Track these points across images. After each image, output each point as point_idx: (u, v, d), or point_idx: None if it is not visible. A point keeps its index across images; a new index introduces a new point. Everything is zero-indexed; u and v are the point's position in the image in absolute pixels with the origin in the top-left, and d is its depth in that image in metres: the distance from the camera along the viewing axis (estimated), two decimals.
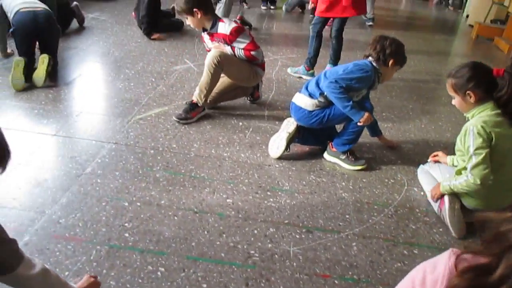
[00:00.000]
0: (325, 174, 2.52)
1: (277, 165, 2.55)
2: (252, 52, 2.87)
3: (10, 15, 3.30)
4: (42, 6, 3.39)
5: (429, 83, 4.36)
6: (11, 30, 3.29)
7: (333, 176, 2.51)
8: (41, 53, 3.31)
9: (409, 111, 3.55)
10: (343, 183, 2.45)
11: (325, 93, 2.45)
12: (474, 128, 1.97)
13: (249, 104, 3.33)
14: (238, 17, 5.44)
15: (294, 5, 6.93)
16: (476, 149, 1.95)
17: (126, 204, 2.06)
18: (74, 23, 4.73)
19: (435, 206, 2.24)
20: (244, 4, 6.89)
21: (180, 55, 4.27)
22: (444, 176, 2.27)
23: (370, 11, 6.35)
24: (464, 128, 2.04)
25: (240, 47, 2.86)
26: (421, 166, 2.55)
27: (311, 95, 2.52)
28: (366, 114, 2.43)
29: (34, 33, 3.31)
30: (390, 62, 2.48)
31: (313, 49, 3.92)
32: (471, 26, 7.34)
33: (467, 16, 8.37)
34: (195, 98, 2.90)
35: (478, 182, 1.95)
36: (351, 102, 2.38)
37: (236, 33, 2.82)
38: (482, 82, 2.02)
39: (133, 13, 5.02)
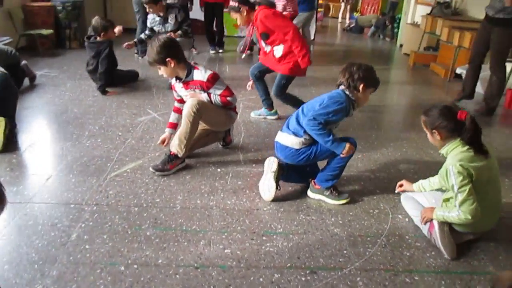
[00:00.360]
0: (313, 212, 2.55)
1: (265, 208, 2.55)
2: (228, 98, 2.91)
3: None
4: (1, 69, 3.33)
5: (383, 112, 4.60)
6: None
7: (321, 213, 2.55)
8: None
9: (374, 141, 3.71)
10: (332, 219, 2.49)
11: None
12: (453, 168, 2.10)
13: (222, 149, 3.33)
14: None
15: (245, 47, 7.12)
16: (460, 187, 2.08)
17: (123, 268, 1.97)
18: (25, 82, 4.57)
19: (424, 229, 2.33)
20: (193, 50, 6.97)
21: (141, 106, 4.23)
22: (430, 202, 2.38)
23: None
24: (444, 168, 2.17)
25: (216, 94, 2.88)
26: (404, 193, 2.66)
27: (295, 134, 2.56)
28: (347, 145, 2.51)
29: None
30: (361, 87, 2.50)
31: (262, 92, 4.00)
32: (407, 54, 7.90)
33: (401, 46, 9.01)
34: (174, 149, 2.86)
35: (469, 217, 2.08)
36: (331, 137, 2.46)
37: (213, 80, 2.85)
38: (447, 123, 2.18)
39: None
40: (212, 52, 7.03)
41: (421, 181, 2.54)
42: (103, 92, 4.46)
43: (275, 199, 2.62)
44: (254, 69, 3.96)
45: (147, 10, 4.97)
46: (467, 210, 2.08)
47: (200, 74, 2.86)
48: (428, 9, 8.16)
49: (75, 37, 6.74)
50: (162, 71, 2.86)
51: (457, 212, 2.11)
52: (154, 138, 3.43)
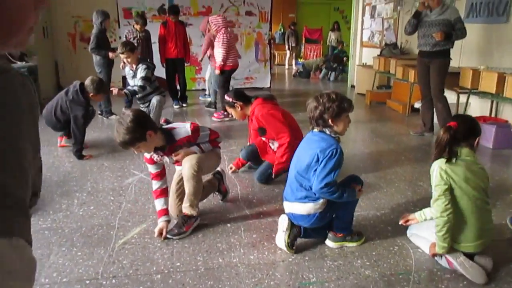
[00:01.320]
0: (338, 256, 2.52)
1: (290, 259, 2.49)
2: (217, 139, 2.89)
3: None
4: None
5: (358, 150, 4.75)
6: None
7: (345, 256, 2.53)
8: None
9: (364, 179, 3.77)
10: (359, 261, 2.47)
11: None
12: (438, 168, 2.30)
13: (224, 204, 3.25)
14: (163, 120, 5.43)
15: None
16: (436, 185, 2.28)
17: None
18: None
19: (443, 263, 2.39)
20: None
21: (124, 167, 4.07)
22: (433, 232, 2.43)
23: None
24: (432, 167, 2.36)
25: (205, 141, 2.80)
26: (408, 231, 2.72)
27: (311, 199, 2.45)
28: (357, 189, 2.55)
29: None
30: (332, 121, 2.42)
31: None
32: (361, 94, 8.31)
33: (352, 86, 9.48)
34: (186, 210, 2.74)
35: (439, 214, 2.25)
36: (344, 194, 2.41)
37: (197, 130, 2.74)
38: None
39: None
40: (176, 107, 7.00)
41: (422, 210, 2.59)
42: (80, 157, 4.25)
43: (296, 248, 2.57)
44: (247, 153, 3.86)
45: (125, 60, 4.92)
46: (439, 208, 2.25)
47: (182, 131, 2.71)
48: (373, 51, 8.74)
49: None
50: (142, 148, 2.55)
51: (431, 210, 2.33)
52: (150, 199, 3.29)
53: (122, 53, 4.87)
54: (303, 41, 14.66)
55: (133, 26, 6.54)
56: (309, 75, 11.70)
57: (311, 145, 2.48)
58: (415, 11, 5.12)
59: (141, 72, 4.89)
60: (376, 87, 7.89)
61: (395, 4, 7.84)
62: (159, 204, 2.77)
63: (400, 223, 2.73)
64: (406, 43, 7.45)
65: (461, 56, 6.17)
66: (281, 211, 2.91)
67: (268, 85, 9.20)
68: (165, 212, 2.76)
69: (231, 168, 3.93)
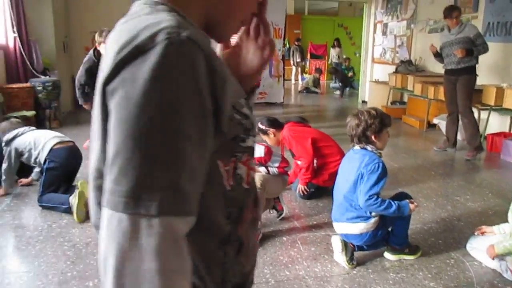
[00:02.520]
0: (399, 269, 2.60)
1: (354, 271, 2.56)
2: (286, 168, 2.94)
3: (40, 153, 3.35)
4: (69, 138, 3.60)
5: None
6: (47, 166, 3.33)
7: (407, 269, 2.60)
8: (68, 185, 3.50)
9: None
10: (420, 273, 2.55)
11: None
12: None
13: (273, 217, 3.32)
14: None
15: None
16: None
17: None
18: None
19: (508, 276, 2.47)
20: None
21: None
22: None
23: None
24: None
25: (274, 166, 2.90)
26: (468, 244, 2.80)
27: (363, 218, 2.51)
28: (409, 203, 2.61)
29: (70, 169, 3.49)
30: (375, 137, 2.51)
31: None
32: None
33: (363, 102, 9.64)
34: None
35: None
36: (393, 206, 2.46)
37: (269, 154, 2.87)
38: None
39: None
40: None
41: (500, 224, 2.68)
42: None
43: (357, 260, 2.65)
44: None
45: None
46: None
47: (256, 151, 2.83)
48: (385, 67, 8.93)
49: (55, 116, 6.53)
50: None
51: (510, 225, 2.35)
52: None
53: None
54: (308, 57, 14.87)
55: None
56: (317, 93, 11.87)
57: (354, 163, 2.56)
58: (434, 54, 5.33)
59: None
60: (390, 103, 8.03)
61: (408, 22, 8.04)
62: None
63: (475, 233, 2.81)
64: (421, 60, 7.63)
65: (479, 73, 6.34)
66: (330, 224, 3.00)
67: (281, 100, 9.32)
68: None
69: None
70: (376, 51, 9.33)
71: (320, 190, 3.67)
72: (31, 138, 3.50)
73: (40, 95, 6.31)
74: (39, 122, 6.35)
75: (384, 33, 8.96)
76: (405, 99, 8.19)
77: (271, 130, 3.65)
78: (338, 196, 2.63)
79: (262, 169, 2.88)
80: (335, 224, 2.67)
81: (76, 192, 3.21)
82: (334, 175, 3.59)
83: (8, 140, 3.52)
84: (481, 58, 5.40)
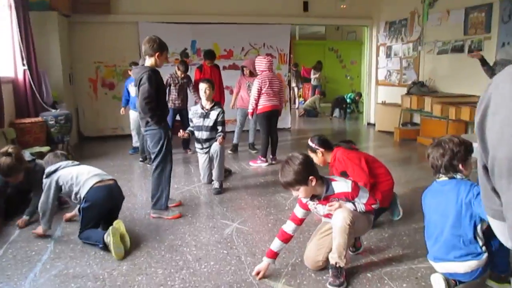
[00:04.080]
0: None
1: None
2: (373, 206, 2.75)
3: (81, 190, 3.28)
4: (110, 176, 3.51)
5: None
6: (83, 206, 3.25)
7: None
8: (108, 222, 3.36)
9: None
10: None
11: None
12: None
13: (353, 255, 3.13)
14: None
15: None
16: None
17: None
18: None
19: None
20: (188, 151, 6.75)
21: (212, 217, 3.92)
22: None
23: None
24: None
25: (362, 202, 2.71)
26: None
27: (474, 255, 2.33)
28: None
29: (109, 207, 3.39)
30: (460, 165, 2.40)
31: None
32: (383, 131, 8.49)
33: (369, 124, 9.65)
34: (337, 260, 2.62)
35: None
36: None
37: (357, 188, 2.71)
38: None
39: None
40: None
41: None
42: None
43: None
44: None
45: (204, 95, 4.81)
46: None
47: (343, 186, 2.68)
48: (390, 89, 8.98)
49: (68, 151, 6.22)
50: (301, 191, 2.59)
51: None
52: (264, 251, 3.15)
53: (205, 84, 4.81)
54: (301, 80, 14.92)
55: (175, 71, 6.48)
56: (317, 114, 11.87)
57: (448, 196, 2.39)
58: (480, 60, 4.98)
59: (220, 116, 4.79)
60: (400, 124, 8.03)
61: (415, 44, 8.13)
62: (276, 245, 2.78)
63: None
64: (431, 81, 7.68)
65: None
66: (407, 256, 2.86)
67: (289, 125, 9.24)
68: (275, 255, 2.79)
69: None
70: (380, 73, 9.38)
71: (376, 212, 3.53)
72: (74, 172, 3.39)
73: (53, 130, 6.03)
74: None
75: (388, 56, 9.04)
76: (415, 120, 8.22)
77: (320, 150, 3.59)
78: (438, 234, 2.46)
79: (349, 205, 2.68)
80: (436, 264, 2.48)
81: (109, 230, 3.10)
82: (387, 195, 3.56)
83: (50, 172, 3.41)
84: None
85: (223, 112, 4.85)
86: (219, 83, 6.81)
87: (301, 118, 11.91)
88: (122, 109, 6.77)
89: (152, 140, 3.79)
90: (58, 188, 3.37)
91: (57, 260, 3.07)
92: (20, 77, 5.96)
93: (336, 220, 2.61)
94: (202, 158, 4.94)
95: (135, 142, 6.67)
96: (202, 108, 4.86)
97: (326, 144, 3.62)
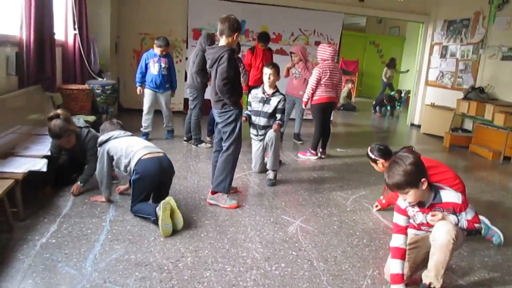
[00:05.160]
0: None
1: None
2: (476, 225, 2.46)
3: (130, 162, 3.22)
4: (160, 149, 3.41)
5: (498, 201, 4.44)
6: (133, 178, 3.19)
7: None
8: (159, 196, 3.30)
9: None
10: None
11: None
12: None
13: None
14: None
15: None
16: None
17: None
18: None
19: None
20: (207, 139, 6.40)
21: (271, 211, 3.68)
22: None
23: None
24: None
25: (467, 218, 2.43)
26: None
27: None
28: None
29: (159, 180, 3.28)
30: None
31: None
32: (429, 135, 8.13)
33: (412, 125, 9.28)
34: (432, 280, 2.36)
35: None
36: None
37: (467, 202, 2.42)
38: None
39: None
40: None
41: None
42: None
43: None
44: None
45: (269, 75, 4.49)
46: None
47: (453, 196, 2.41)
48: (440, 91, 8.57)
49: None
50: (410, 195, 2.33)
51: None
52: (337, 256, 2.91)
53: (270, 69, 4.49)
54: None
55: None
56: (354, 108, 11.52)
57: None
58: None
59: (281, 103, 4.52)
60: (451, 129, 7.65)
61: (475, 47, 7.69)
62: (396, 266, 2.43)
63: None
64: (491, 87, 7.26)
65: None
66: (493, 280, 2.58)
67: (331, 118, 8.91)
68: (402, 279, 2.41)
69: (376, 206, 3.92)
70: (431, 73, 8.95)
71: None
72: (124, 144, 3.35)
73: (99, 99, 5.83)
74: (95, 128, 5.87)
75: (442, 56, 8.60)
76: (465, 126, 7.83)
77: (380, 161, 3.44)
78: None
79: (453, 218, 2.39)
80: None
81: (161, 204, 3.01)
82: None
83: (102, 142, 3.41)
84: None
85: (284, 99, 4.58)
86: None
87: (338, 111, 11.55)
88: (139, 88, 5.79)
89: (226, 120, 3.58)
90: (110, 158, 3.38)
91: (115, 242, 2.87)
92: (70, 41, 5.76)
93: (439, 233, 2.34)
94: (256, 146, 4.69)
95: (146, 126, 5.91)
96: (264, 92, 4.58)
97: (386, 154, 3.47)
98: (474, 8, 7.74)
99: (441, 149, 7.28)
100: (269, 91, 4.56)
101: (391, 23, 15.47)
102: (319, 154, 5.75)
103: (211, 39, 5.59)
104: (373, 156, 3.48)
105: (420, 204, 2.42)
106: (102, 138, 3.43)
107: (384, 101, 10.81)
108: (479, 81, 7.57)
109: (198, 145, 5.73)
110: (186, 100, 8.09)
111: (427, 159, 3.58)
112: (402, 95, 12.36)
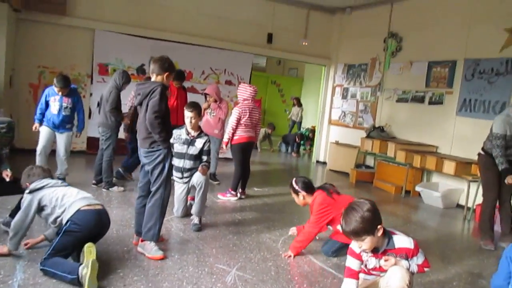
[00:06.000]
0: None
1: None
2: (426, 269, 2.52)
3: (64, 213, 2.91)
4: (98, 201, 3.14)
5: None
6: (66, 228, 2.85)
7: None
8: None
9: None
10: None
11: None
12: None
13: None
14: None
15: None
16: None
17: None
18: None
19: None
20: (129, 176, 6.06)
21: (199, 258, 3.44)
22: None
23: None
24: None
25: (417, 263, 2.46)
26: None
27: None
28: None
29: (94, 234, 3.00)
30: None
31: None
32: (335, 171, 8.55)
33: (317, 162, 9.68)
34: None
35: None
36: None
37: (417, 247, 2.46)
38: None
39: None
40: None
41: None
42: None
43: None
44: (328, 248, 3.81)
45: (191, 119, 4.29)
46: None
47: (405, 241, 2.44)
48: (343, 130, 9.12)
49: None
50: (366, 242, 2.32)
51: None
52: None
53: (191, 112, 4.27)
54: None
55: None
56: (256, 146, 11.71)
57: None
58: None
59: (207, 144, 4.36)
60: (355, 166, 8.11)
61: (374, 90, 8.36)
62: None
63: None
64: (388, 126, 7.89)
65: (452, 145, 6.70)
66: None
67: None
68: None
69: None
70: (334, 113, 9.50)
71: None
72: (60, 193, 3.03)
73: None
74: None
75: (344, 97, 9.20)
76: (368, 162, 8.37)
77: (302, 193, 3.78)
78: None
79: (405, 263, 2.41)
80: None
81: (89, 261, 2.69)
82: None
83: (35, 189, 3.02)
84: (457, 131, 6.24)
85: (209, 140, 4.44)
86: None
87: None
88: (36, 125, 5.19)
89: (154, 161, 3.34)
90: (40, 208, 3.00)
91: None
92: None
93: (394, 279, 2.34)
94: (179, 189, 4.43)
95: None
96: (188, 134, 4.39)
97: (309, 188, 3.80)
98: (371, 54, 8.47)
99: (348, 185, 7.64)
100: (194, 133, 4.39)
101: (290, 64, 16.32)
102: (238, 195, 5.64)
103: (127, 76, 5.30)
104: (296, 187, 3.75)
105: (374, 250, 2.41)
106: (34, 185, 3.06)
107: (296, 139, 11.12)
108: (378, 121, 8.20)
109: (110, 188, 5.27)
110: (90, 140, 7.54)
111: (345, 196, 3.80)
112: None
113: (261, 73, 15.97)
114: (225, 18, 8.42)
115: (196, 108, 4.35)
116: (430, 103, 7.14)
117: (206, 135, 4.45)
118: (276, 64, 16.73)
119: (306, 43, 9.11)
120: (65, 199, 2.97)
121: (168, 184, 3.41)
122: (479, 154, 4.78)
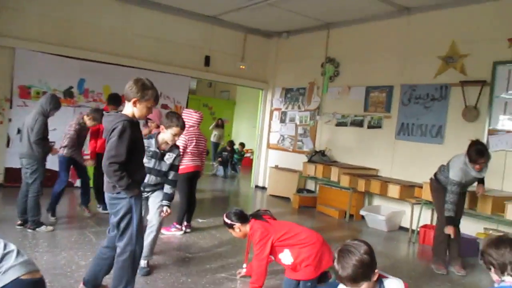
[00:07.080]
0: None
1: None
2: None
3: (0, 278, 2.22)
4: (37, 267, 2.45)
5: None
6: None
7: None
8: None
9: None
10: None
11: None
12: None
13: None
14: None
15: None
16: None
17: None
18: None
19: None
20: (86, 210, 5.53)
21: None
22: None
23: None
24: None
25: None
26: None
27: None
28: None
29: None
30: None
31: None
32: (275, 196, 8.39)
33: (257, 187, 9.49)
34: None
35: None
36: None
37: None
38: None
39: None
40: (103, 211, 5.70)
41: None
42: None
43: None
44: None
45: (162, 130, 3.84)
46: None
47: (396, 284, 2.20)
48: (282, 154, 9.05)
49: None
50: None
51: None
52: None
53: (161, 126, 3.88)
54: None
55: (83, 118, 5.33)
56: None
57: None
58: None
59: (177, 159, 3.89)
60: (296, 190, 8.02)
61: (313, 113, 8.39)
62: None
63: None
64: (328, 150, 7.92)
65: (392, 168, 6.85)
66: None
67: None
68: None
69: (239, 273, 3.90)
70: (272, 137, 9.41)
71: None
72: None
73: None
74: None
75: (282, 121, 9.15)
76: (308, 186, 8.33)
77: (237, 225, 3.43)
78: None
79: None
80: None
81: None
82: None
83: None
84: (397, 153, 6.28)
85: (179, 155, 3.98)
86: None
87: None
88: None
89: (118, 212, 2.81)
90: None
91: None
92: None
93: None
94: None
95: None
96: (158, 147, 3.85)
97: (242, 218, 3.48)
98: (308, 78, 8.53)
99: (291, 210, 7.49)
100: (165, 145, 3.89)
101: (221, 87, 16.16)
102: (184, 228, 5.23)
103: (56, 102, 4.71)
104: (229, 222, 3.44)
105: None
106: None
107: (228, 158, 10.83)
108: (318, 145, 8.21)
109: (37, 228, 4.61)
110: (9, 170, 6.69)
111: (281, 222, 3.57)
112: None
113: (192, 96, 15.63)
114: (162, 40, 8.05)
115: (179, 119, 3.93)
116: (369, 127, 7.27)
117: (177, 148, 3.98)
118: (207, 86, 16.50)
119: (244, 67, 8.98)
120: (3, 261, 2.41)
121: (139, 238, 2.89)
122: (431, 179, 4.86)
